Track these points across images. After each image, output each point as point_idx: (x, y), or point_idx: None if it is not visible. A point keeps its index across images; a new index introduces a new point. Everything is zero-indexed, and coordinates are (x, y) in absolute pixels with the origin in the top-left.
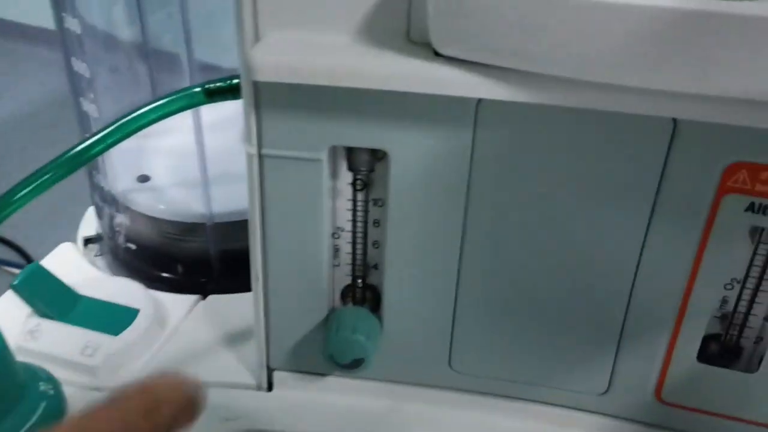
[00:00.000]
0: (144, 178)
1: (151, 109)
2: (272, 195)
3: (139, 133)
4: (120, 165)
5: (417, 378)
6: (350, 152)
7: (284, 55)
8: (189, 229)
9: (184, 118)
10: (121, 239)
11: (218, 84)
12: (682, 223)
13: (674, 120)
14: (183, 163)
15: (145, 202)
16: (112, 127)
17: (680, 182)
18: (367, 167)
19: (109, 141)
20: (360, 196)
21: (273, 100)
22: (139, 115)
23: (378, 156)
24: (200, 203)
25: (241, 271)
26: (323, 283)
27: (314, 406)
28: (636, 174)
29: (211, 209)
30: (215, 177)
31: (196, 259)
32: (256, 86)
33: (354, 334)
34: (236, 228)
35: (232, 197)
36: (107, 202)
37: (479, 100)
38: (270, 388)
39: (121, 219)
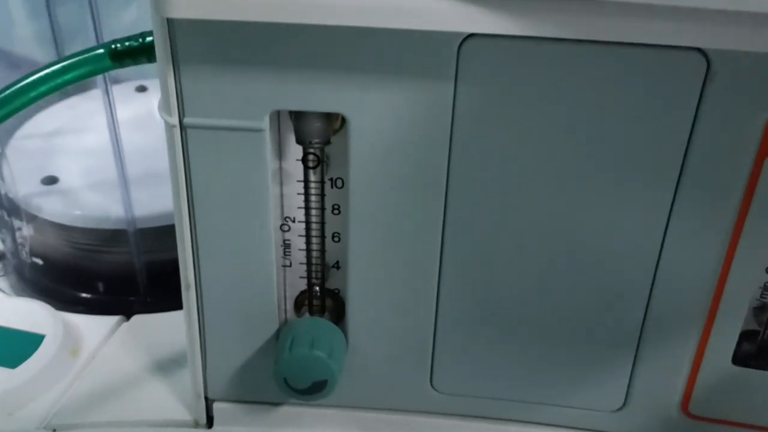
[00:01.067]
0: (51, 180)
1: (41, 78)
2: (201, 178)
3: (45, 132)
4: (21, 165)
5: (392, 402)
6: (299, 119)
7: None
8: (107, 237)
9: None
10: (24, 254)
11: (127, 43)
12: (716, 194)
13: (707, 59)
14: (97, 162)
15: (53, 207)
16: None
17: (713, 141)
18: (321, 138)
19: None
20: (313, 175)
21: (195, 52)
22: (24, 86)
23: (334, 124)
24: (119, 207)
25: (174, 287)
26: (271, 290)
27: None
28: (659, 132)
29: (132, 213)
30: (137, 177)
31: (119, 274)
32: (173, 34)
33: (312, 350)
34: (165, 234)
35: (157, 198)
36: (6, 209)
37: (463, 40)
38: (210, 423)
39: (24, 229)
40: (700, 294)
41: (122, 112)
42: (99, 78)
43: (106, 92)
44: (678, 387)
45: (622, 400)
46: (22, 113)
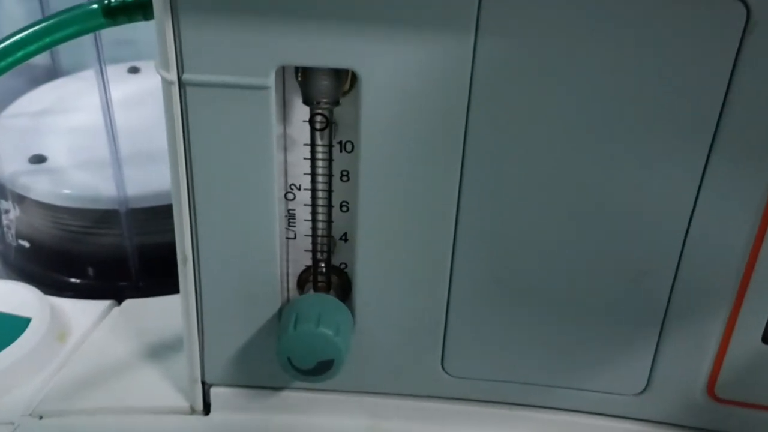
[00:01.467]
0: (39, 159)
1: (29, 36)
2: (200, 140)
3: (33, 111)
4: (8, 144)
5: (401, 387)
6: (306, 77)
7: None
8: (98, 218)
9: (87, 95)
10: (11, 237)
11: None
12: (752, 156)
13: (747, 8)
14: (87, 141)
15: (41, 187)
16: None
17: (752, 98)
18: (330, 98)
19: None
20: (321, 139)
21: (196, 1)
22: (11, 45)
23: (344, 84)
24: (110, 186)
25: (168, 271)
26: (274, 263)
27: None
28: (693, 87)
29: (125, 192)
30: (128, 157)
31: (110, 257)
32: None
33: (319, 328)
34: (158, 215)
35: (150, 177)
36: None
37: None
38: (207, 410)
39: (10, 210)
40: (731, 267)
41: (114, 93)
42: (91, 57)
43: (100, 67)
44: (704, 368)
45: (645, 383)
46: (9, 92)
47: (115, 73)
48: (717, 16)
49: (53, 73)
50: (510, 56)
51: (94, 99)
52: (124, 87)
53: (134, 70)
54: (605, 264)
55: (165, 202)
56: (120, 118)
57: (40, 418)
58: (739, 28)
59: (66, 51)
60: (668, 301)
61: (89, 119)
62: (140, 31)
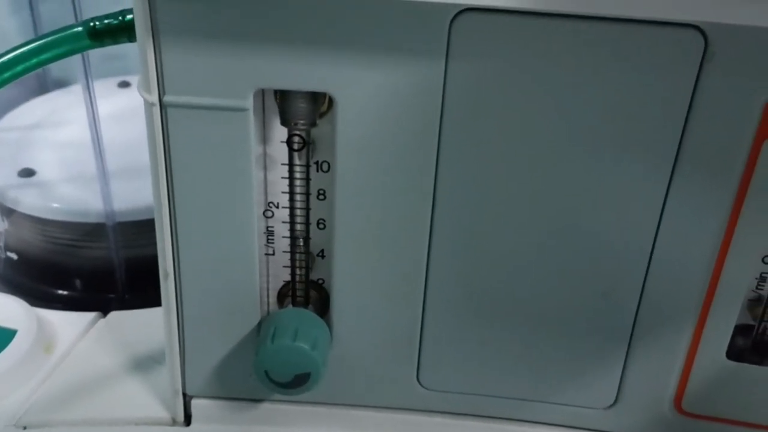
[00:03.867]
0: (28, 172)
1: (16, 57)
2: (181, 159)
3: (22, 125)
4: None
5: (377, 399)
6: (284, 99)
7: None
8: (85, 232)
9: (76, 110)
10: None
11: (107, 21)
12: (713, 177)
13: (705, 38)
14: (75, 156)
15: (29, 200)
16: None
17: (711, 122)
18: (307, 119)
19: None
20: (298, 158)
21: (176, 26)
22: (1, 64)
23: (320, 106)
24: (98, 200)
25: (153, 284)
26: (254, 279)
27: None
28: (655, 112)
29: (112, 206)
30: (116, 171)
31: (97, 270)
32: (153, 6)
33: (296, 342)
34: (144, 229)
35: (136, 192)
36: None
37: (455, 15)
38: (188, 421)
39: None
40: (695, 284)
41: (104, 107)
42: (80, 72)
43: (87, 84)
44: (671, 383)
45: (614, 397)
46: None
47: (105, 87)
48: (677, 45)
49: (44, 86)
50: (478, 82)
51: (83, 113)
52: (114, 101)
53: (124, 85)
54: (574, 281)
55: (152, 216)
56: (109, 132)
57: (24, 428)
58: (698, 56)
59: (57, 65)
60: (635, 318)
61: (79, 133)
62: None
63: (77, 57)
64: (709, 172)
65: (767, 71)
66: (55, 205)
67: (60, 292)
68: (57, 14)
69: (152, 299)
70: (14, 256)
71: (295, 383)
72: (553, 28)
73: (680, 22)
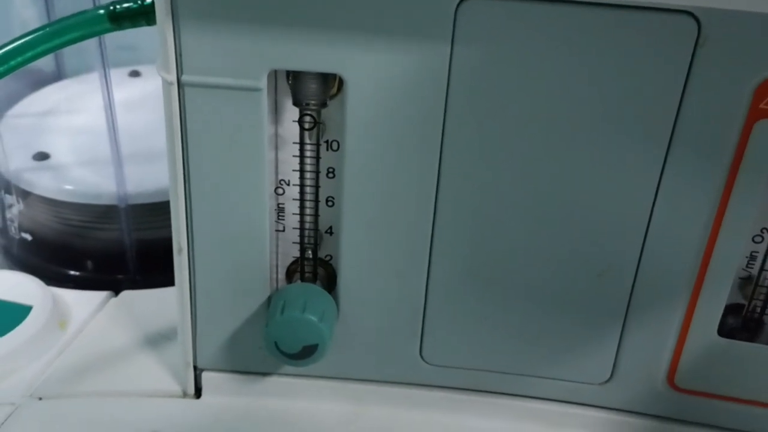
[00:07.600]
0: (42, 156)
1: (37, 38)
2: (196, 137)
3: (37, 111)
4: (12, 142)
5: (381, 374)
6: (296, 80)
7: None
8: (98, 213)
9: (89, 97)
10: (14, 230)
11: (126, 5)
12: (705, 158)
13: (698, 23)
14: (89, 140)
15: (43, 182)
16: None
17: (704, 105)
18: (318, 99)
19: None
20: (309, 137)
21: (195, 8)
22: (20, 46)
23: (331, 87)
24: (111, 183)
25: (164, 265)
26: (264, 254)
27: (254, 415)
28: (650, 95)
29: (125, 189)
30: (128, 156)
31: (109, 251)
32: None
33: (304, 314)
34: (156, 211)
35: (148, 176)
36: None
37: (460, 2)
38: (198, 393)
39: (14, 205)
40: (688, 263)
41: (116, 95)
42: (94, 61)
43: (104, 70)
44: (664, 359)
45: (609, 373)
46: (14, 92)
47: (117, 76)
48: (671, 30)
49: (57, 75)
50: (482, 64)
51: (96, 101)
52: (125, 90)
53: (135, 74)
54: (571, 260)
55: (162, 199)
56: (121, 119)
57: (40, 399)
58: (691, 41)
59: (70, 55)
60: (630, 296)
61: (91, 119)
62: (141, 37)
63: (92, 47)
64: (702, 153)
65: (758, 56)
66: (69, 187)
67: (72, 272)
68: (72, 7)
69: (162, 280)
70: (28, 236)
71: (302, 354)
72: (552, 14)
73: (675, 8)
